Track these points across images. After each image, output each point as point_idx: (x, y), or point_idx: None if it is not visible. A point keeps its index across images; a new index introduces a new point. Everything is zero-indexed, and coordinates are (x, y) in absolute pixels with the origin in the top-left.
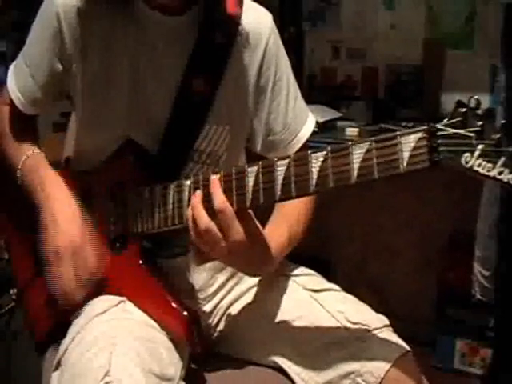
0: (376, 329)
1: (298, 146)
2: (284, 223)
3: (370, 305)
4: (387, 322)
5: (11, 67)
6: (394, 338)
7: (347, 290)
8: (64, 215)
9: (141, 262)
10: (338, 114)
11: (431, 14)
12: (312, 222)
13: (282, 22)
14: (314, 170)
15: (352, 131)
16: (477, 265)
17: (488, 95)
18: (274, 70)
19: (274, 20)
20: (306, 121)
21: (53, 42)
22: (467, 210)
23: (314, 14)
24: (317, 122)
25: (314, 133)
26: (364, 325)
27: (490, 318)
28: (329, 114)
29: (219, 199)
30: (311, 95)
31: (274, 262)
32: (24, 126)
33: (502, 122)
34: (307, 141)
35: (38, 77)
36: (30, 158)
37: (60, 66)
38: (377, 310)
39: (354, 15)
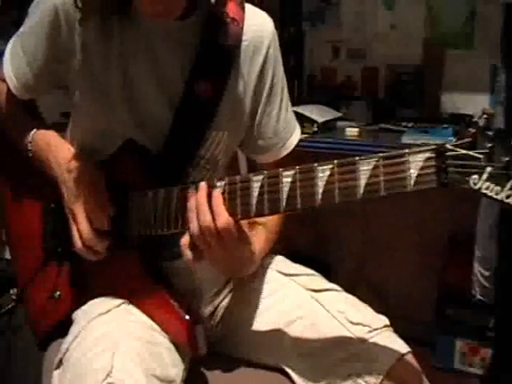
0: (376, 329)
1: (285, 153)
2: (261, 226)
3: (370, 305)
4: (388, 322)
5: (8, 47)
6: (395, 338)
7: (347, 290)
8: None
9: (141, 263)
10: (338, 114)
11: (431, 14)
12: (285, 221)
13: (282, 22)
14: (320, 183)
15: (352, 131)
16: (477, 265)
17: (488, 95)
18: (271, 76)
19: (274, 20)
20: (294, 130)
21: (49, 34)
22: (467, 211)
23: (313, 14)
24: (317, 122)
25: (314, 133)
26: (365, 325)
27: (490, 318)
28: (329, 114)
29: (224, 217)
30: (311, 95)
31: (256, 264)
32: (24, 104)
33: None
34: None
35: (32, 65)
36: (40, 131)
37: (55, 58)
38: (377, 310)
39: (353, 15)
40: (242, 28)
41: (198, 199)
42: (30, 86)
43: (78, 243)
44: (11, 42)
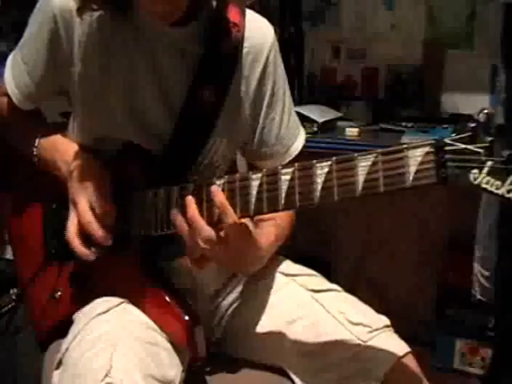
0: (377, 329)
1: (289, 159)
2: (271, 222)
3: (370, 305)
4: (388, 322)
5: (9, 60)
6: (395, 338)
7: (347, 289)
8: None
9: (141, 263)
10: (338, 114)
11: (431, 14)
12: (295, 217)
13: (282, 22)
14: (318, 180)
15: (352, 131)
16: (477, 265)
17: (488, 95)
18: (271, 83)
19: (274, 20)
20: (298, 135)
21: (49, 42)
22: (467, 211)
23: (313, 14)
24: (317, 122)
25: (314, 133)
26: (365, 325)
27: (490, 318)
28: (329, 114)
29: (232, 217)
30: (311, 95)
31: (264, 260)
32: (27, 113)
33: None
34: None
35: (33, 74)
36: (45, 137)
37: (55, 66)
38: (377, 310)
39: (354, 15)
40: (243, 33)
41: (191, 217)
42: (31, 96)
43: (71, 232)
44: (11, 55)
